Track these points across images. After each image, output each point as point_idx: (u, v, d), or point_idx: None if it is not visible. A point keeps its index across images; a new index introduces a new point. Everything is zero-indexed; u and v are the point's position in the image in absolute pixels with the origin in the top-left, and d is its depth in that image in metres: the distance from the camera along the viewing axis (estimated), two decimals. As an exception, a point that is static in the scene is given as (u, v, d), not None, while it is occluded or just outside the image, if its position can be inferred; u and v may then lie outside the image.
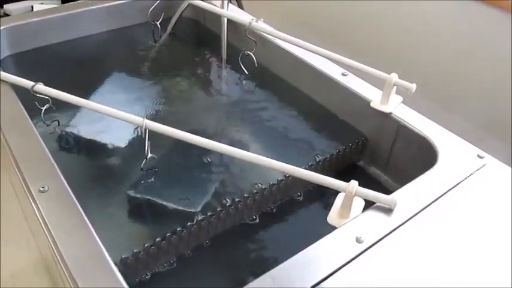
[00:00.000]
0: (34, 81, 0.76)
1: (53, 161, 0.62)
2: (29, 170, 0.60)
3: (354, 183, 0.60)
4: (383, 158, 0.81)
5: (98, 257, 0.52)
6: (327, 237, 0.55)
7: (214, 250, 0.67)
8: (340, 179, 0.81)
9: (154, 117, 0.86)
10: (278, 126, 0.86)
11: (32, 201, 0.57)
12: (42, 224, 0.55)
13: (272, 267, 0.57)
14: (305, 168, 0.74)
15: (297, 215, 0.75)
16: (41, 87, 0.75)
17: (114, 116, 0.70)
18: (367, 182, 0.83)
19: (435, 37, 1.08)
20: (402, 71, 0.80)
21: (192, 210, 0.66)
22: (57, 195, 0.58)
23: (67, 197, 0.58)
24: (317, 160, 0.76)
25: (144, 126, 0.68)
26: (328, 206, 0.77)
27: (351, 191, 0.59)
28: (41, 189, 0.57)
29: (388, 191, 0.80)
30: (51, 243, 0.53)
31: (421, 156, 0.73)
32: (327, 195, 0.75)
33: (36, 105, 0.77)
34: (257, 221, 0.72)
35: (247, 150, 0.79)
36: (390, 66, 0.85)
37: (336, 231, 0.56)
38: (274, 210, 0.74)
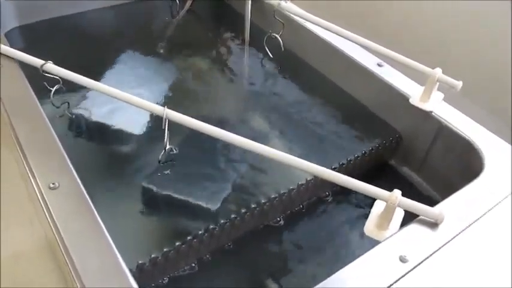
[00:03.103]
0: (43, 59, 0.69)
1: (64, 152, 0.56)
2: (38, 163, 0.54)
3: (397, 193, 0.54)
4: (418, 158, 0.75)
5: (112, 265, 0.47)
6: (367, 254, 0.50)
7: (236, 253, 0.62)
8: (370, 178, 0.75)
9: (168, 102, 0.80)
10: (305, 118, 0.79)
11: (41, 199, 0.51)
12: (52, 225, 0.49)
13: (295, 272, 0.52)
14: (335, 168, 0.69)
15: (325, 216, 0.69)
16: (51, 66, 0.68)
17: (131, 103, 0.64)
18: (398, 182, 0.78)
19: (478, 34, 1.00)
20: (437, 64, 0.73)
21: (214, 209, 0.61)
22: (69, 193, 0.52)
23: (79, 195, 0.52)
24: (348, 159, 0.70)
25: (164, 116, 0.61)
26: (358, 207, 0.72)
27: (393, 202, 0.53)
28: (51, 185, 0.52)
29: (421, 194, 0.75)
30: (62, 248, 0.48)
31: (463, 161, 0.67)
32: (357, 195, 0.69)
33: (45, 84, 0.71)
34: (281, 222, 0.67)
35: (269, 143, 0.74)
36: (426, 58, 0.78)
37: (377, 248, 0.51)
38: (301, 211, 0.69)
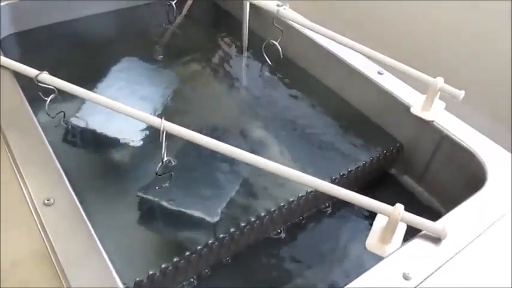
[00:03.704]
0: (38, 67, 0.68)
1: (59, 167, 0.54)
2: (32, 178, 0.53)
3: (399, 208, 0.53)
4: (419, 168, 0.74)
5: (108, 283, 0.46)
6: (370, 272, 0.49)
7: (236, 267, 0.61)
8: (370, 188, 0.75)
9: (165, 109, 0.79)
10: (304, 127, 0.78)
11: (35, 215, 0.50)
12: (47, 243, 0.48)
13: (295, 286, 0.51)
14: (336, 179, 0.68)
15: (325, 228, 0.68)
16: (46, 76, 0.67)
17: (128, 114, 0.62)
18: (399, 192, 0.77)
19: (478, 34, 0.99)
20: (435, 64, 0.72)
21: (212, 221, 0.59)
22: (64, 209, 0.51)
23: (74, 211, 0.51)
24: (349, 169, 0.69)
25: (162, 128, 0.60)
26: (358, 217, 0.71)
27: (396, 217, 0.52)
28: (46, 201, 0.51)
29: (422, 204, 0.74)
30: (57, 267, 0.47)
31: (465, 172, 0.67)
32: (356, 206, 0.68)
33: (40, 94, 0.69)
34: (282, 235, 0.66)
35: (268, 152, 0.73)
36: (426, 58, 0.76)
37: (379, 265, 0.49)
38: (301, 222, 0.68)
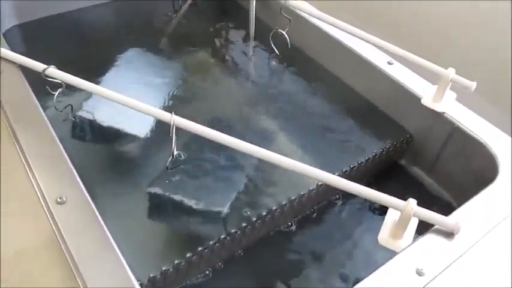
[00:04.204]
0: (44, 58, 0.67)
1: (70, 164, 0.54)
2: (44, 176, 0.53)
3: (412, 203, 0.52)
4: (429, 159, 0.74)
5: (123, 280, 0.46)
6: (383, 268, 0.49)
7: (248, 260, 0.62)
8: (379, 178, 0.75)
9: (172, 101, 0.78)
10: (313, 118, 0.78)
11: (48, 213, 0.50)
12: (61, 241, 0.48)
13: (308, 280, 0.51)
14: (346, 171, 0.68)
15: (336, 220, 0.68)
16: (53, 71, 0.66)
17: (137, 109, 0.62)
18: (408, 182, 0.77)
19: (478, 34, 0.98)
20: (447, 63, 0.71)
21: (223, 214, 0.60)
22: (77, 207, 0.51)
23: (87, 209, 0.51)
24: (359, 161, 0.69)
25: (172, 122, 0.60)
26: (369, 209, 0.71)
27: (409, 213, 0.52)
28: (59, 200, 0.50)
29: (431, 194, 0.74)
30: (72, 266, 0.47)
31: (476, 164, 0.66)
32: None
33: (47, 88, 0.68)
34: (293, 228, 0.66)
35: (278, 144, 0.73)
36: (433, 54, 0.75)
37: (393, 261, 0.49)
38: (311, 215, 0.68)
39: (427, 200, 0.73)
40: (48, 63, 0.66)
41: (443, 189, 0.73)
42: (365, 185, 0.55)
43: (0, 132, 0.73)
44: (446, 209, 0.70)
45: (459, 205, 0.71)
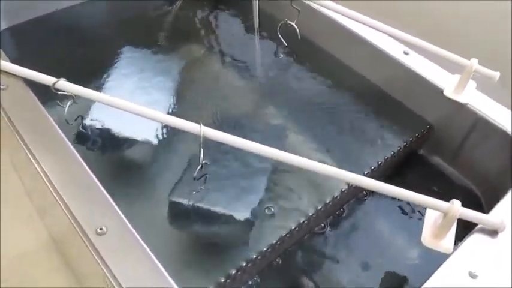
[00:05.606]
0: (39, 62, 0.64)
1: (104, 191, 0.51)
2: (80, 207, 0.49)
3: (457, 205, 0.52)
4: (451, 149, 0.74)
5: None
6: (438, 273, 0.49)
7: (286, 267, 0.61)
8: (399, 168, 0.74)
9: (179, 98, 0.76)
10: (330, 113, 0.76)
11: (89, 245, 0.47)
12: (105, 270, 0.46)
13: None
14: (374, 168, 0.67)
15: (367, 218, 0.68)
16: (63, 83, 0.62)
17: (162, 121, 0.59)
18: (429, 172, 0.77)
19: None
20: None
21: (260, 228, 0.58)
22: (118, 236, 0.48)
23: (129, 236, 0.48)
24: (386, 157, 0.68)
25: (201, 134, 0.57)
26: (397, 204, 0.70)
27: (455, 214, 0.52)
28: (99, 231, 0.48)
29: (453, 184, 0.75)
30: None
31: (502, 155, 0.66)
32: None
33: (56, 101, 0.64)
34: (327, 229, 0.65)
35: (299, 145, 0.71)
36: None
37: (445, 265, 0.49)
38: (341, 214, 0.67)
39: (450, 190, 0.74)
40: (46, 68, 0.62)
41: (465, 178, 0.73)
42: (387, 178, 0.54)
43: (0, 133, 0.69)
44: (471, 198, 0.71)
45: (482, 194, 0.72)
